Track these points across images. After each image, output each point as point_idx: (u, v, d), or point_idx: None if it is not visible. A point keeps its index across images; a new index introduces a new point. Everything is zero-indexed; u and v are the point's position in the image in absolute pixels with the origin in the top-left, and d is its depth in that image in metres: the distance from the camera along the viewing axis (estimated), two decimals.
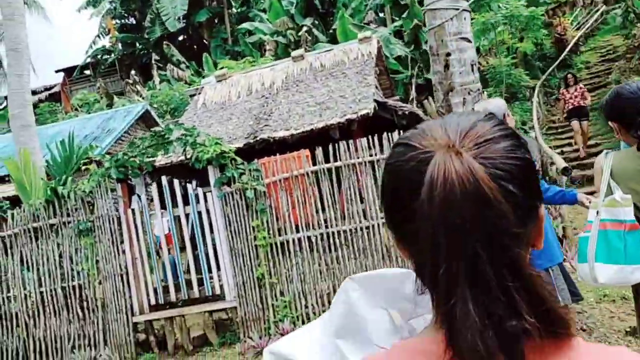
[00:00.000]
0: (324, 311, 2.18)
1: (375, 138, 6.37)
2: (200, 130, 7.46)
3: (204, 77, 17.33)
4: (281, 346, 1.02)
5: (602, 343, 2.30)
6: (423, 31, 15.75)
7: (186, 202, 6.84)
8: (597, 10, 20.18)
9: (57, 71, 36.24)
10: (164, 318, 6.75)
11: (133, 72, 27.19)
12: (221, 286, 6.71)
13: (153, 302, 6.78)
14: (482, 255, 0.63)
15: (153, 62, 26.96)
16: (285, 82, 10.10)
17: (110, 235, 6.81)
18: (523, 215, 0.67)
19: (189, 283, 6.83)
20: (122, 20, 34.26)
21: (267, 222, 6.53)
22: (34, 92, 19.52)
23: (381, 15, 22.56)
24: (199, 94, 11.24)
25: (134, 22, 33.65)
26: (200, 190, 6.77)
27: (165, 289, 6.87)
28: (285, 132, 8.38)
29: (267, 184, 6.59)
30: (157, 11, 28.14)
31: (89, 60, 33.76)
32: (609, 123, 2.43)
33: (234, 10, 30.82)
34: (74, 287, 6.84)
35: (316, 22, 20.75)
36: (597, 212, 2.33)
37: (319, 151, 6.54)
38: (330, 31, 20.25)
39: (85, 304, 6.82)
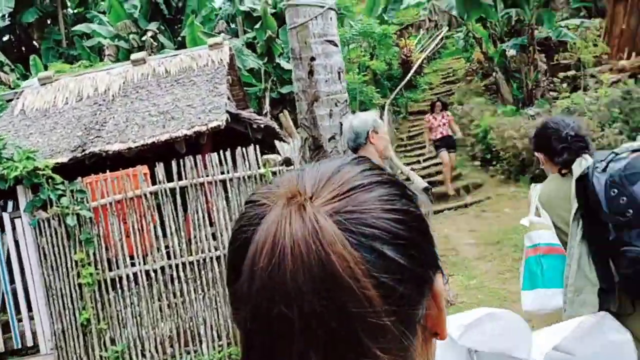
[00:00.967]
0: None
1: (228, 153, 5.58)
2: (14, 141, 6.07)
3: None
4: None
5: None
6: (277, 43, 15.31)
7: None
8: (438, 35, 21.48)
9: None
10: None
11: None
12: (34, 335, 5.40)
13: None
14: None
15: None
16: (123, 88, 8.86)
17: None
18: (407, 296, 0.48)
19: None
20: None
21: (94, 254, 5.39)
22: None
23: (233, 26, 21.83)
24: (17, 98, 9.50)
25: None
26: (6, 216, 5.41)
27: None
28: (121, 144, 7.20)
29: (95, 208, 5.45)
30: None
31: None
32: (535, 154, 2.47)
33: (70, 10, 27.95)
34: None
35: (162, 27, 19.37)
36: None
37: (160, 168, 5.56)
38: (179, 38, 19.03)
39: None
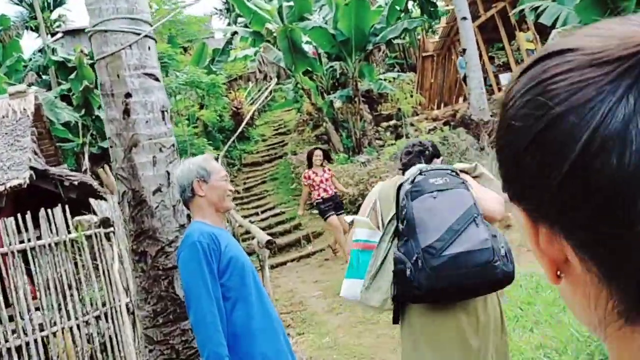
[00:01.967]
0: None
1: (28, 217, 4.56)
2: None
3: None
4: None
5: None
6: (95, 94, 14.05)
7: None
8: (267, 88, 21.74)
9: None
10: None
11: None
12: None
13: None
14: None
15: None
16: None
17: None
18: None
19: None
20: None
21: None
22: None
23: (45, 77, 19.83)
24: None
25: None
26: None
27: None
28: None
29: None
30: None
31: None
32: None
33: None
34: None
35: None
36: None
37: None
38: None
39: None
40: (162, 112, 2.99)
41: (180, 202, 2.58)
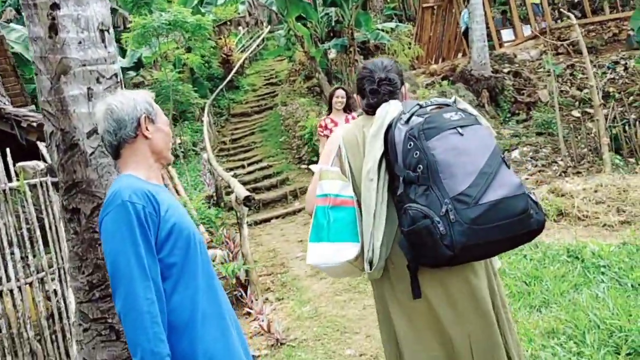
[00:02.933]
0: None
1: None
2: None
3: None
4: None
5: None
6: None
7: None
8: (260, 35, 20.75)
9: None
10: None
11: None
12: None
13: None
14: None
15: None
16: None
17: None
18: None
19: None
20: None
21: None
22: None
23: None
24: None
25: None
26: None
27: None
28: None
29: None
30: None
31: None
32: (354, 95, 2.28)
33: None
34: None
35: None
36: None
37: None
38: None
39: None
40: (102, 31, 2.35)
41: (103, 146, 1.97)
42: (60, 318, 3.76)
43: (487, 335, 1.87)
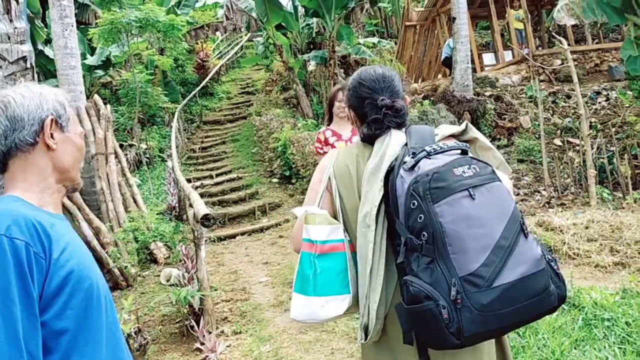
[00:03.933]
0: None
1: None
2: None
3: None
4: None
5: None
6: (39, 26, 12.40)
7: None
8: (237, 43, 20.22)
9: None
10: None
11: None
12: None
13: None
14: None
15: None
16: None
17: None
18: None
19: None
20: None
21: None
22: None
23: None
24: None
25: None
26: None
27: None
28: None
29: None
30: None
31: None
32: (347, 109, 1.98)
33: None
34: None
35: None
36: None
37: None
38: None
39: None
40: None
41: None
42: None
43: None
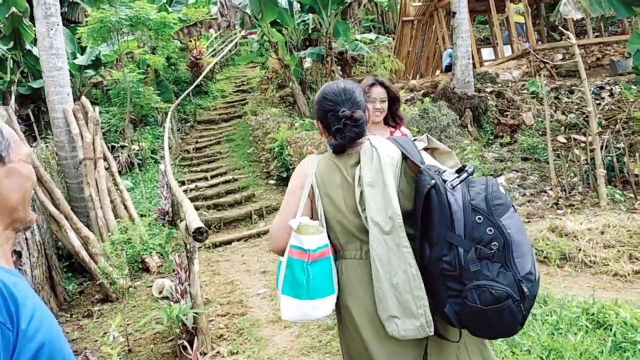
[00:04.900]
0: None
1: None
2: None
3: None
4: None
5: None
6: (26, 25, 12.02)
7: None
8: (232, 40, 19.85)
9: None
10: None
11: None
12: None
13: None
14: None
15: None
16: None
17: None
18: None
19: None
20: None
21: None
22: None
23: None
24: None
25: None
26: None
27: None
28: None
29: None
30: None
31: None
32: (314, 121, 2.27)
33: None
34: None
35: None
36: None
37: None
38: None
39: None
40: None
41: None
42: None
43: None
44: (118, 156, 11.92)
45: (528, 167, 9.31)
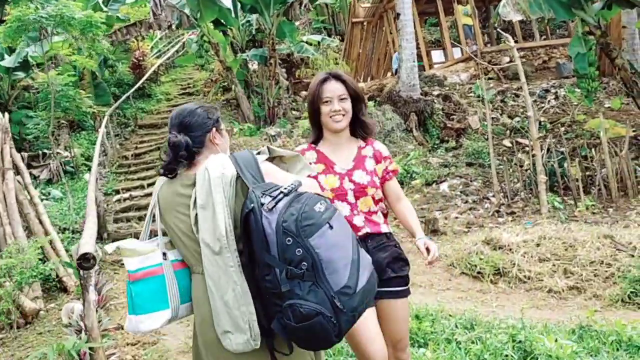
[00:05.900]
0: None
1: None
2: None
3: None
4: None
5: None
6: None
7: None
8: (178, 41, 19.19)
9: None
10: None
11: None
12: None
13: None
14: None
15: None
16: None
17: None
18: None
19: None
20: None
21: None
22: None
23: None
24: None
25: None
26: None
27: None
28: None
29: None
30: None
31: None
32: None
33: None
34: None
35: None
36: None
37: None
38: None
39: None
40: None
41: None
42: None
43: None
44: (48, 164, 11.20)
45: (472, 173, 9.12)
